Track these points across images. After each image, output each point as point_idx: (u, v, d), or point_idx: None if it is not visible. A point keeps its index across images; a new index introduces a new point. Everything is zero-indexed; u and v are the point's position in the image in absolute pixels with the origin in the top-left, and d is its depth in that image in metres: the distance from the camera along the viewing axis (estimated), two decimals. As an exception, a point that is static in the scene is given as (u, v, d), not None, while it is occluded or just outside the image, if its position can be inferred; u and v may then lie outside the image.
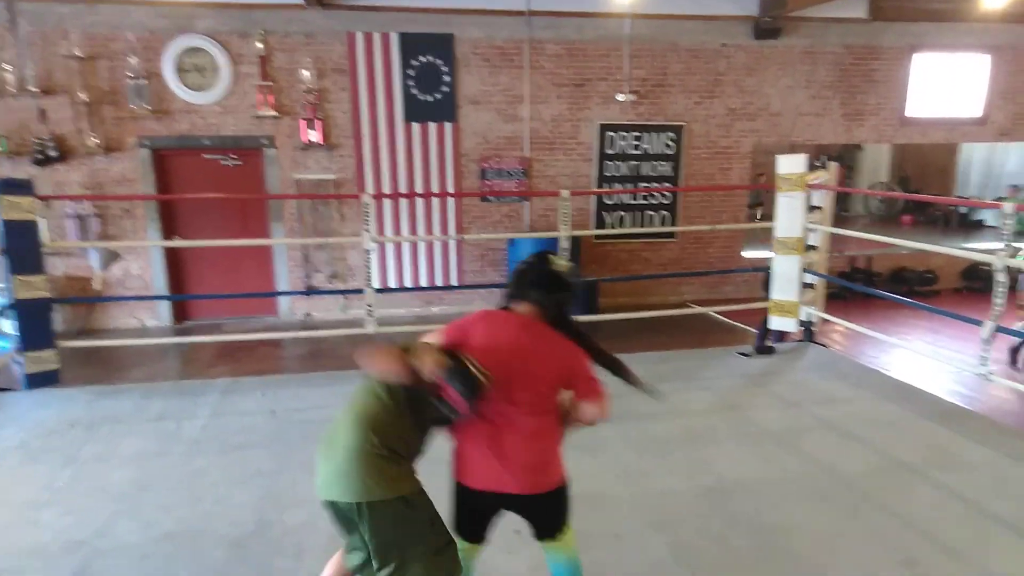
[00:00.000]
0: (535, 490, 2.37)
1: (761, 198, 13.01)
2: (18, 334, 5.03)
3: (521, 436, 2.33)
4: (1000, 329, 4.45)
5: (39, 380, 5.11)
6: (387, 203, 8.70)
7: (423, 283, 8.93)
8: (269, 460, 4.14)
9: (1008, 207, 4.34)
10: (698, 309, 7.96)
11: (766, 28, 9.09)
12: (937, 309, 5.85)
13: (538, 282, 2.49)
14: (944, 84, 9.95)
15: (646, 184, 9.33)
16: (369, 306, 5.70)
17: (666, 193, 9.46)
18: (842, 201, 16.39)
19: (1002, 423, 4.79)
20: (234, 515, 3.52)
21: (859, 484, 3.80)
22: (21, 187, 4.98)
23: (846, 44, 9.47)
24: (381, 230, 8.69)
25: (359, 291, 6.11)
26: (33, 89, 7.63)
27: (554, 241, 6.23)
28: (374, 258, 8.42)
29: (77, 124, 7.82)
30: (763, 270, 6.56)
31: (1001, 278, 4.31)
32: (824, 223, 6.06)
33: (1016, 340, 6.27)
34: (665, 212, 9.53)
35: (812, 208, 6.02)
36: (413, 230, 8.81)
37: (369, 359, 2.28)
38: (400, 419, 2.29)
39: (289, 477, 3.91)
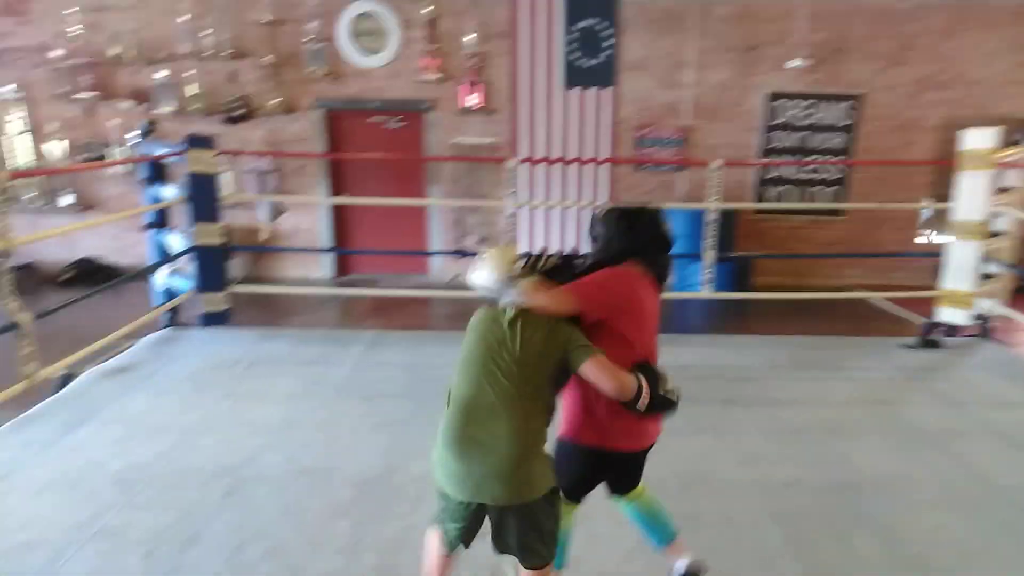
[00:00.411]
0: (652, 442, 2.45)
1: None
2: (197, 276, 5.60)
3: None
4: None
5: (212, 319, 5.68)
6: (539, 170, 8.74)
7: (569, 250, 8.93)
8: (402, 410, 4.35)
9: None
10: (862, 294, 7.41)
11: (970, -15, 8.14)
12: None
13: (660, 244, 2.40)
14: None
15: (814, 158, 8.72)
16: (509, 270, 5.79)
17: (838, 168, 8.80)
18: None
19: None
20: (365, 458, 3.74)
21: (1019, 498, 3.41)
22: (205, 143, 5.48)
23: (1070, 2, 8.28)
24: (533, 195, 8.76)
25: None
26: (226, 53, 8.34)
27: (700, 213, 5.98)
28: (519, 223, 8.54)
29: (261, 85, 8.47)
30: (936, 255, 5.97)
31: None
32: (1017, 206, 5.40)
33: None
34: (835, 188, 8.89)
35: (1002, 189, 5.38)
36: (564, 196, 8.80)
37: (613, 381, 2.13)
38: (549, 412, 2.20)
39: (417, 428, 4.09)
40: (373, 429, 4.10)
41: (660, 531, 2.57)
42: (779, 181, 8.89)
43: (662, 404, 2.22)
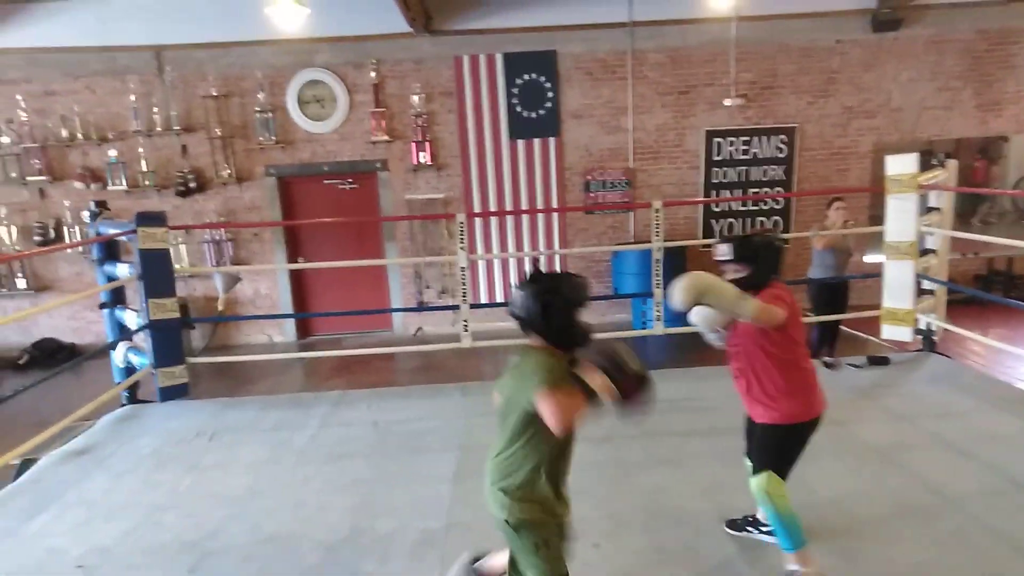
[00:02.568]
0: None
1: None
2: (153, 351, 5.59)
3: None
4: None
5: (171, 393, 5.65)
6: (493, 219, 8.93)
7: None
8: (367, 469, 4.37)
9: None
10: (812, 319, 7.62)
11: (885, 20, 8.62)
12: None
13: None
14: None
15: (755, 190, 9.05)
16: (464, 321, 5.90)
17: (778, 199, 9.14)
18: (986, 198, 15.12)
19: None
20: (330, 521, 3.74)
21: (968, 505, 3.54)
22: (155, 220, 5.54)
23: (978, 30, 8.81)
24: (488, 247, 8.93)
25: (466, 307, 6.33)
26: (176, 128, 8.46)
27: (648, 252, 6.17)
28: (470, 275, 8.67)
29: (213, 157, 8.58)
30: (875, 276, 6.21)
31: None
32: (944, 225, 5.67)
33: None
34: (777, 217, 9.21)
35: (929, 209, 5.66)
36: (519, 245, 8.99)
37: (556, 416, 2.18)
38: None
39: (384, 486, 4.12)
40: (339, 491, 4.11)
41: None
42: (726, 214, 9.18)
43: (636, 385, 2.23)
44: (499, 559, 2.63)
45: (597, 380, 2.18)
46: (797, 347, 2.90)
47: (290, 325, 9.13)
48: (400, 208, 8.82)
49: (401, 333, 9.17)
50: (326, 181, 8.92)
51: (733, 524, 3.31)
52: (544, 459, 2.33)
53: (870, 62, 8.83)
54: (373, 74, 8.53)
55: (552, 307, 2.33)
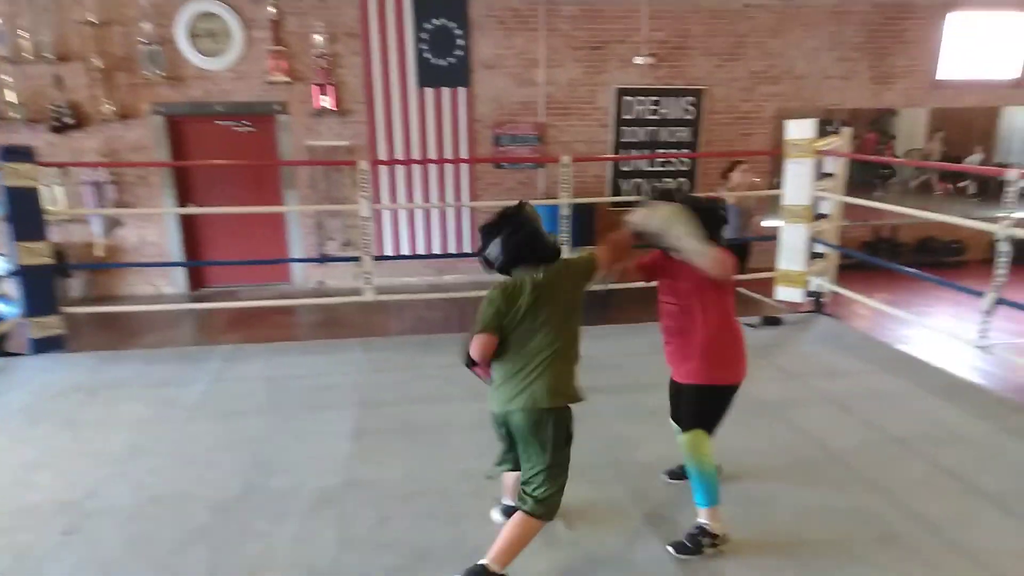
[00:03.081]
0: None
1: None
2: (23, 300, 5.14)
3: None
4: (1002, 301, 4.29)
5: (45, 345, 5.22)
6: (400, 170, 8.67)
7: (436, 251, 8.92)
8: (262, 427, 4.19)
9: (1012, 173, 4.15)
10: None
11: (791, -13, 8.79)
12: (938, 279, 5.66)
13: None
14: (980, 45, 9.55)
15: (664, 150, 9.15)
16: (367, 274, 5.70)
17: (684, 160, 9.28)
18: (875, 168, 15.94)
19: (1006, 397, 4.65)
20: (221, 479, 3.57)
21: (848, 458, 3.72)
22: (21, 154, 5.03)
23: (876, 3, 9.11)
24: (394, 197, 8.69)
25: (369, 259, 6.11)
26: (48, 56, 7.71)
27: (556, 208, 6.13)
28: (375, 226, 8.47)
29: (92, 91, 7.89)
30: (771, 239, 6.41)
31: (1004, 248, 4.14)
32: (836, 191, 5.89)
33: None
34: (683, 179, 9.36)
35: (824, 175, 5.85)
36: (426, 197, 8.78)
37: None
38: None
39: (279, 443, 3.95)
40: (230, 448, 3.92)
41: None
42: (634, 174, 9.26)
43: None
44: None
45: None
46: (733, 310, 2.98)
47: (180, 276, 8.62)
48: (301, 155, 8.41)
49: (301, 286, 8.84)
50: (220, 122, 8.39)
51: (673, 474, 3.42)
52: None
53: (777, 28, 9.00)
54: (272, 9, 8.01)
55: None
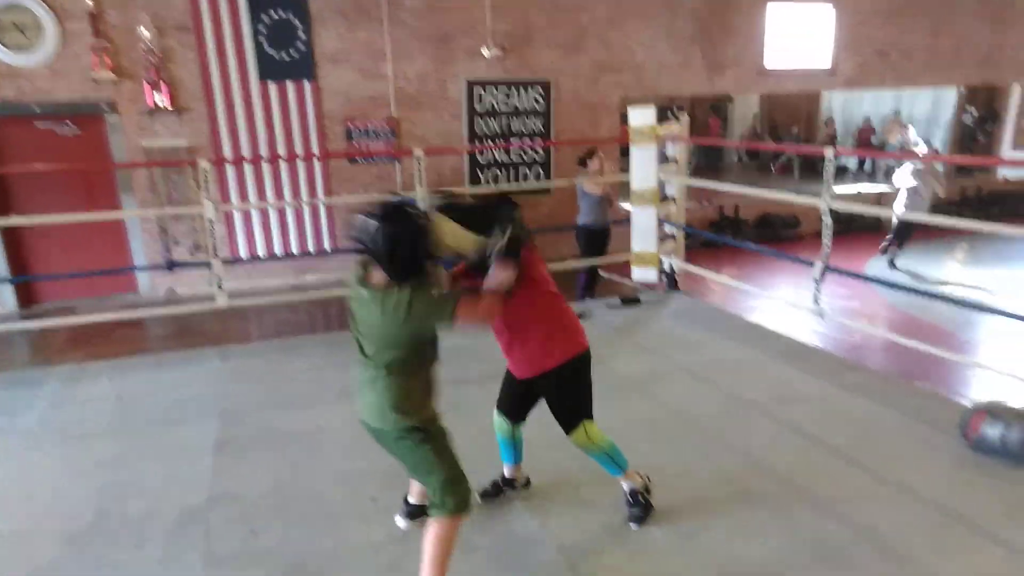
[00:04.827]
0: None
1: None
2: None
3: None
4: (829, 268, 4.73)
5: None
6: (248, 169, 8.30)
7: (295, 251, 8.62)
8: (113, 448, 3.91)
9: (829, 152, 4.58)
10: (572, 264, 8.06)
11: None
12: (775, 252, 6.15)
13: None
14: (796, 35, 10.38)
15: (518, 140, 9.30)
16: (219, 279, 5.43)
17: (538, 149, 9.47)
18: (717, 152, 17.07)
19: (840, 357, 5.12)
20: (70, 509, 3.31)
21: (706, 424, 3.98)
22: None
23: (702, -6, 9.67)
24: (244, 196, 8.30)
25: (219, 263, 5.81)
26: None
27: (412, 200, 6.07)
28: (226, 228, 8.10)
29: None
30: (624, 223, 6.69)
31: (827, 220, 4.56)
32: (680, 174, 6.23)
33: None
34: (539, 168, 9.56)
35: (667, 159, 6.17)
36: (279, 195, 8.45)
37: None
38: None
39: (134, 465, 3.71)
40: (78, 475, 3.64)
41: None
42: (490, 165, 9.35)
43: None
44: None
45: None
46: (545, 289, 2.83)
47: (7, 293, 7.82)
48: (136, 156, 7.82)
49: (149, 295, 8.26)
50: (39, 124, 7.66)
51: (486, 494, 3.23)
52: None
53: (614, 19, 9.35)
54: (89, 1, 7.38)
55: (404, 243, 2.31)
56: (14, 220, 7.41)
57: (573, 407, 2.91)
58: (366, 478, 3.43)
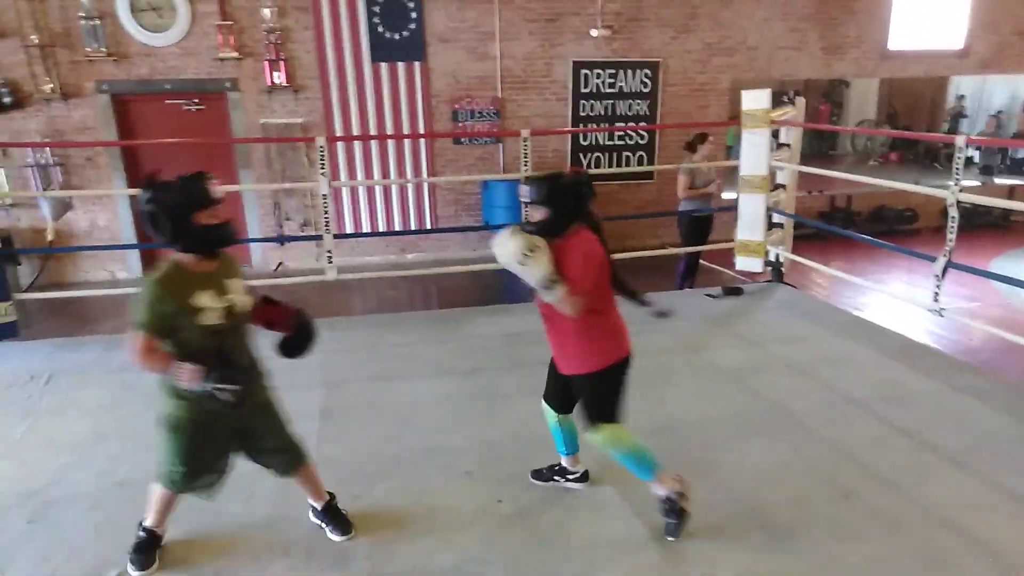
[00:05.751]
0: None
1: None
2: (-30, 287, 4.98)
3: None
4: (952, 265, 4.44)
5: (-3, 333, 5.08)
6: (357, 147, 8.56)
7: (397, 229, 8.84)
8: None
9: (960, 140, 4.28)
10: (675, 251, 7.90)
11: (743, -42, 8.83)
12: (892, 245, 5.82)
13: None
14: (925, 15, 9.74)
15: (621, 123, 9.17)
16: (329, 253, 5.64)
17: (643, 132, 9.32)
18: (829, 139, 16.22)
19: (954, 358, 4.83)
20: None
21: (805, 420, 3.84)
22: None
23: (824, -27, 9.22)
24: (353, 174, 8.58)
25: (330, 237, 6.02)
26: (-21, 31, 7.37)
27: (516, 183, 6.10)
28: (334, 204, 8.32)
29: (31, 68, 7.58)
30: (731, 210, 6.50)
31: (952, 213, 4.28)
32: (792, 161, 5.99)
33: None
34: (642, 152, 9.41)
35: (780, 146, 5.94)
36: (385, 174, 8.68)
37: None
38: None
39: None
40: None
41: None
42: (592, 148, 9.27)
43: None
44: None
45: None
46: (600, 297, 2.76)
47: (135, 260, 8.40)
48: (254, 133, 8.22)
49: (261, 268, 8.69)
50: (169, 101, 8.15)
51: (539, 475, 3.26)
52: None
53: (728, 0, 9.05)
54: (218, -19, 7.77)
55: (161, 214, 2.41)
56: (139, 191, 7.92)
57: (598, 411, 2.82)
58: (464, 453, 3.53)
